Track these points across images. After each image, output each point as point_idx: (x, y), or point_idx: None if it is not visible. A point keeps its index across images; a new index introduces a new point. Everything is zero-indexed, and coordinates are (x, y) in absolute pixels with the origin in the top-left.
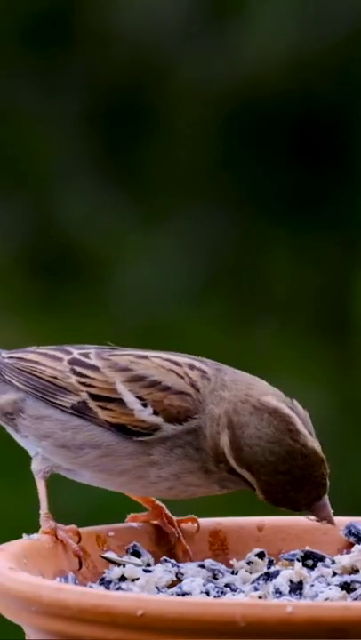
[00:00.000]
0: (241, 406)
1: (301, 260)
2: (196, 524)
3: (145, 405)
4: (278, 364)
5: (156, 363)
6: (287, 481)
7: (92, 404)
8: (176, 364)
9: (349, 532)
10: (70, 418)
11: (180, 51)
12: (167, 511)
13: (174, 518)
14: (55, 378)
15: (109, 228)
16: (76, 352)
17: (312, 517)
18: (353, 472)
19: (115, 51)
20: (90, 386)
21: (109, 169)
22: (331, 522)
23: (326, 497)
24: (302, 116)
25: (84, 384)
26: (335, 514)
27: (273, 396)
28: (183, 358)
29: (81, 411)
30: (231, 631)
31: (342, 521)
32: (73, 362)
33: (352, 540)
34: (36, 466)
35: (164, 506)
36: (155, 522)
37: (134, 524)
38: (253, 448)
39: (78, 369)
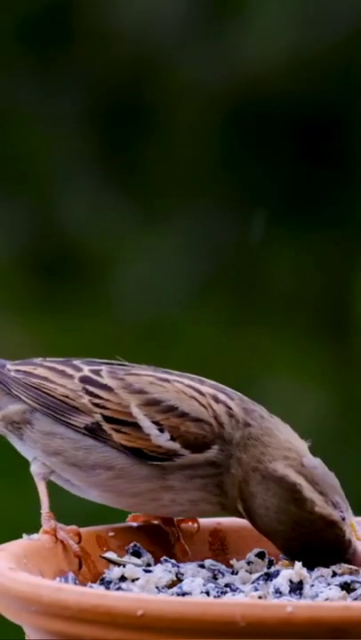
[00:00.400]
0: (251, 475)
1: (301, 260)
2: (196, 524)
3: (162, 431)
4: (278, 364)
5: (178, 388)
6: (302, 546)
7: (106, 426)
8: (200, 392)
9: None
10: (82, 437)
11: (180, 50)
12: None
13: (174, 518)
14: (67, 397)
15: (110, 227)
16: (86, 369)
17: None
18: (353, 472)
19: (115, 50)
20: (103, 407)
21: (110, 169)
22: None
23: (353, 549)
24: (302, 116)
25: (97, 405)
26: None
27: (282, 462)
28: (206, 387)
29: (95, 432)
30: (231, 631)
31: None
32: (84, 380)
33: None
34: (35, 469)
35: None
36: (155, 522)
37: (134, 524)
38: (263, 519)
39: (91, 389)
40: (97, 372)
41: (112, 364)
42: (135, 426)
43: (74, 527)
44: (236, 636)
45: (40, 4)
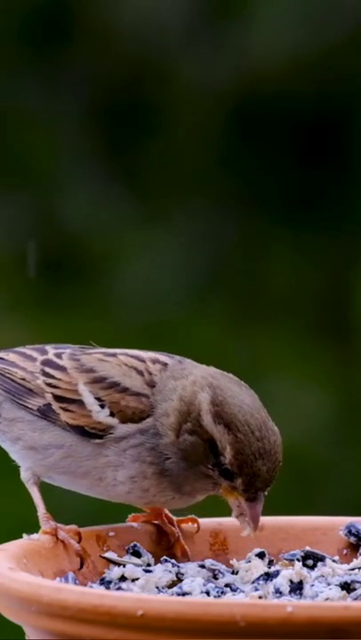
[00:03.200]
0: (217, 375)
1: (302, 260)
2: (196, 525)
3: (102, 407)
4: (278, 364)
5: (121, 360)
6: (258, 447)
7: (56, 405)
8: (140, 359)
9: (349, 531)
10: (37, 419)
11: (183, 49)
12: (167, 511)
13: (174, 518)
14: (24, 380)
15: (111, 227)
16: (51, 352)
17: (240, 511)
18: (353, 472)
19: (116, 49)
20: (55, 387)
21: (111, 168)
22: (255, 525)
23: (263, 496)
24: (303, 116)
25: (49, 385)
26: (335, 513)
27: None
28: (149, 353)
29: (46, 413)
30: (231, 631)
31: (342, 521)
32: (45, 362)
33: (352, 540)
34: (24, 475)
35: None
36: (155, 522)
37: (134, 524)
38: (235, 408)
39: (47, 369)
40: (59, 355)
41: (83, 347)
42: (80, 403)
43: (73, 527)
44: (236, 636)
45: (41, 3)
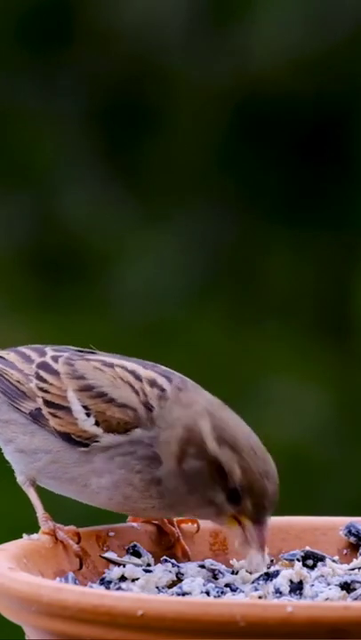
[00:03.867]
0: (215, 402)
1: (302, 260)
2: (196, 525)
3: (88, 415)
4: (278, 364)
5: (117, 373)
6: (263, 467)
7: (45, 410)
8: (137, 377)
9: (349, 531)
10: (29, 423)
11: (183, 49)
12: None
13: (174, 518)
14: (19, 382)
15: (111, 227)
16: (49, 355)
17: (246, 538)
18: (353, 472)
19: (116, 49)
20: (46, 392)
21: (111, 168)
22: (262, 548)
23: (268, 521)
24: (304, 116)
25: (41, 389)
26: (335, 513)
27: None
28: (148, 371)
29: (36, 417)
30: (231, 631)
31: (342, 521)
32: (40, 365)
33: (352, 540)
34: (19, 479)
35: None
36: (155, 522)
37: (134, 524)
38: (236, 429)
39: (41, 373)
40: (56, 359)
41: (83, 351)
42: (68, 410)
43: (72, 527)
44: (236, 636)
45: (41, 3)
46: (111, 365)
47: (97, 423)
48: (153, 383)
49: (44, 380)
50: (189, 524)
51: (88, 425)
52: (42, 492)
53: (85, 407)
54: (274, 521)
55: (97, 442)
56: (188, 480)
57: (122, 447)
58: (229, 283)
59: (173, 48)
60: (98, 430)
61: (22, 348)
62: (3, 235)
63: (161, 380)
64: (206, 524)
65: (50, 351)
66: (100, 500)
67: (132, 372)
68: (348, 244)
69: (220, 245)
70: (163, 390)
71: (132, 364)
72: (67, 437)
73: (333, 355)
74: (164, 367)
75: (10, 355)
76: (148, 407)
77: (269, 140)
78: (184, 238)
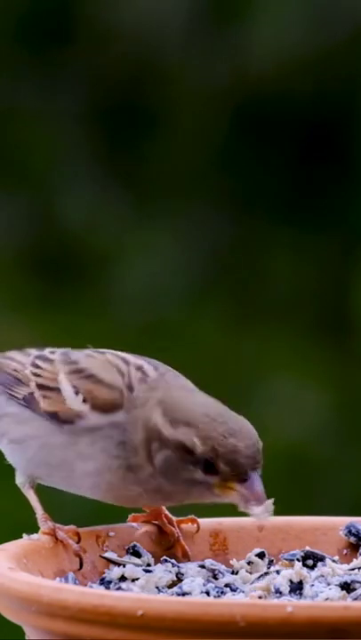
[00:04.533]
0: (172, 389)
1: (301, 260)
2: (196, 525)
3: (77, 393)
4: (278, 364)
5: (107, 358)
6: (225, 428)
7: (37, 393)
8: (125, 362)
9: (349, 531)
10: (23, 410)
11: (182, 49)
12: (167, 511)
13: (174, 518)
14: (15, 370)
15: (110, 227)
16: (48, 349)
17: (243, 499)
18: (353, 472)
19: (116, 49)
20: (39, 376)
21: (110, 168)
22: (260, 502)
23: (257, 475)
24: (304, 116)
25: (35, 374)
26: (335, 513)
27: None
28: (137, 360)
29: (29, 402)
30: (231, 631)
31: (342, 521)
32: (37, 356)
33: (352, 540)
34: (18, 480)
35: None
36: (155, 522)
37: (134, 524)
38: (188, 405)
39: (37, 361)
40: (53, 352)
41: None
42: (57, 390)
43: (72, 527)
44: (236, 636)
45: (41, 3)
46: (103, 353)
47: (84, 400)
48: (140, 367)
49: (39, 367)
50: (189, 524)
51: (75, 402)
52: (42, 492)
53: (74, 387)
54: (274, 521)
55: (81, 420)
56: (165, 473)
57: (102, 431)
58: (229, 283)
59: (173, 48)
60: (84, 407)
61: (23, 349)
62: (3, 235)
63: (147, 367)
64: (206, 524)
65: (48, 349)
66: (86, 486)
67: (122, 358)
68: (349, 243)
69: (220, 245)
70: (146, 375)
71: (124, 353)
72: (54, 416)
73: (333, 355)
74: (157, 361)
75: (10, 352)
76: (130, 387)
77: (269, 140)
78: (184, 238)
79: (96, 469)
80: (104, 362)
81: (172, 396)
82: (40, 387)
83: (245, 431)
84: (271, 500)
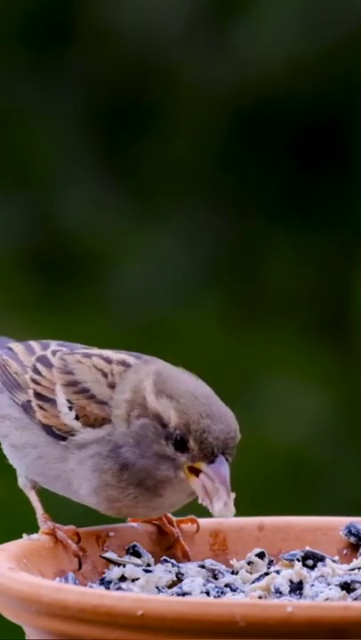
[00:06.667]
0: (168, 367)
1: (301, 260)
2: (195, 525)
3: (70, 409)
4: (278, 364)
5: (93, 362)
6: (204, 409)
7: (34, 402)
8: (108, 361)
9: (349, 532)
10: (22, 417)
11: (183, 50)
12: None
13: (174, 519)
14: (16, 373)
15: (109, 226)
16: (51, 348)
17: (206, 488)
18: (353, 472)
19: (116, 49)
20: (37, 384)
21: (110, 168)
22: (225, 488)
23: (226, 460)
24: (304, 116)
25: (34, 381)
26: (335, 513)
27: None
28: (120, 355)
29: (27, 410)
30: (231, 631)
31: (342, 521)
32: (39, 358)
33: (352, 540)
34: (19, 481)
35: None
36: (155, 522)
37: (134, 524)
38: (177, 382)
39: (38, 365)
40: (55, 353)
41: (84, 347)
42: (53, 402)
43: (71, 527)
44: (236, 636)
45: (41, 3)
46: (89, 356)
47: (77, 417)
48: (122, 362)
49: (39, 373)
50: (189, 524)
51: (69, 418)
52: (42, 492)
53: (69, 401)
54: (274, 521)
55: (73, 436)
56: (138, 441)
57: (91, 448)
58: (229, 283)
59: (173, 49)
60: (77, 424)
61: (31, 341)
62: (2, 235)
63: (130, 359)
64: (206, 524)
65: (53, 345)
66: (88, 501)
67: (106, 358)
68: (348, 243)
69: (220, 245)
70: (128, 366)
71: (108, 352)
72: (49, 430)
73: (333, 355)
74: (143, 354)
75: (18, 346)
76: (112, 386)
77: (269, 140)
78: (183, 238)
79: (93, 490)
80: (91, 368)
81: (166, 369)
82: (37, 395)
83: (224, 418)
84: (233, 496)
